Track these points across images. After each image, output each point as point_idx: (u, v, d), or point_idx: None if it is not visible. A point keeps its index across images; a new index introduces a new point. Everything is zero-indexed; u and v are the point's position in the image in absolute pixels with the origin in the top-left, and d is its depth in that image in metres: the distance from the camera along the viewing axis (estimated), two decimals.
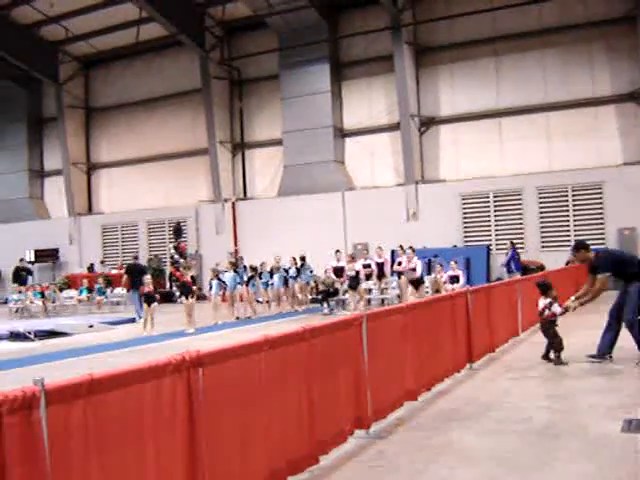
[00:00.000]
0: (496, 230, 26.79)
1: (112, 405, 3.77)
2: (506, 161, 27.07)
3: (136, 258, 24.22)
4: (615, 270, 10.23)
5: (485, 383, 9.36)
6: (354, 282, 19.98)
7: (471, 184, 27.12)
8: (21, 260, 32.57)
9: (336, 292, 21.75)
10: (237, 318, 20.68)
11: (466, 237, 27.15)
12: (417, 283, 18.62)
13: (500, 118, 27.31)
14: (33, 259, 34.63)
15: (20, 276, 29.14)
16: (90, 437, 3.64)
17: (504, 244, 25.76)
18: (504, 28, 27.11)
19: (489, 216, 26.99)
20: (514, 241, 24.88)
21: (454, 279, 20.35)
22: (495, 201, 26.84)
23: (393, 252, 23.47)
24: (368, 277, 21.59)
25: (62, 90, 34.91)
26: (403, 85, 27.38)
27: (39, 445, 3.33)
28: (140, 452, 4.01)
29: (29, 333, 17.90)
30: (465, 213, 27.29)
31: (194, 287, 18.99)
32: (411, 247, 19.40)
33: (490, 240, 26.52)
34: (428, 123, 28.41)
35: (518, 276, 23.06)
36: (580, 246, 10.85)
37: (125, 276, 22.36)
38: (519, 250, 25.54)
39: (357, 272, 20.09)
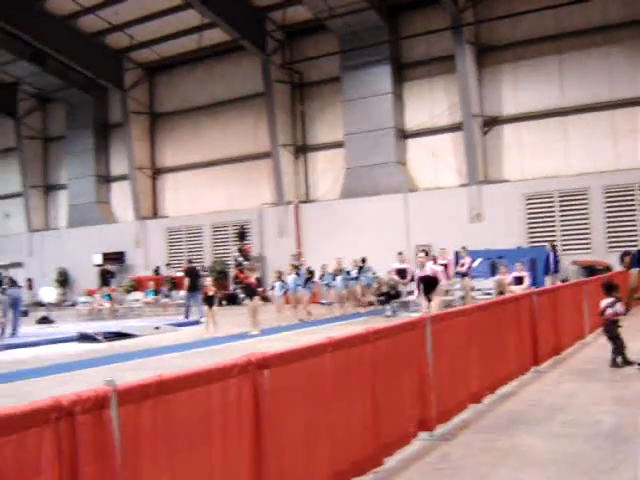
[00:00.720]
0: (562, 230, 26.36)
1: (180, 406, 3.86)
2: (571, 160, 26.61)
3: (190, 262, 24.82)
4: None
5: (551, 386, 9.24)
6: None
7: (535, 184, 26.75)
8: (104, 262, 33.44)
9: (399, 294, 21.69)
10: (300, 320, 20.79)
11: (530, 238, 26.78)
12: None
13: (565, 117, 26.86)
14: (101, 262, 35.37)
15: (105, 278, 30.04)
16: (159, 437, 3.73)
17: (569, 244, 25.40)
18: (567, 25, 26.67)
19: (554, 216, 26.58)
20: (555, 243, 24.44)
21: (518, 280, 20.08)
22: (560, 201, 26.41)
23: (457, 253, 23.31)
24: None
25: (127, 96, 35.58)
26: (465, 85, 27.17)
27: (110, 444, 3.43)
28: (207, 452, 4.08)
29: (97, 335, 18.30)
30: (529, 213, 26.92)
31: (258, 289, 19.16)
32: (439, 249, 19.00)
33: (555, 240, 26.11)
34: (491, 123, 28.12)
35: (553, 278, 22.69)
36: (624, 254, 10.90)
37: (187, 279, 22.98)
38: (586, 251, 25.16)
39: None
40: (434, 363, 6.87)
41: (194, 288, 22.81)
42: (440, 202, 27.83)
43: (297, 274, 21.78)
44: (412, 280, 22.26)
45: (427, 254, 14.59)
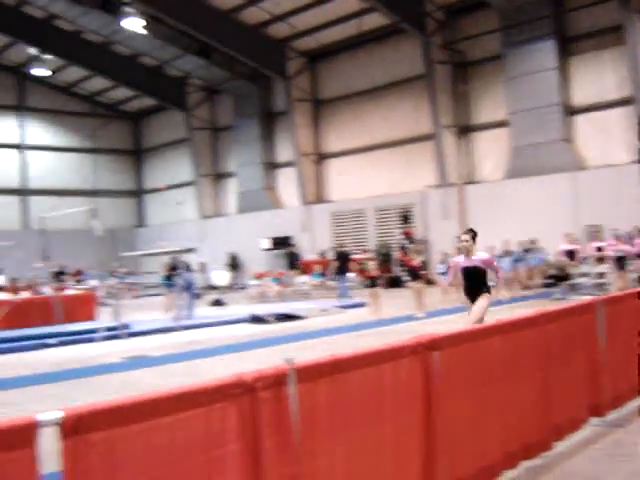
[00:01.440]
0: None
1: (353, 384, 4.02)
2: None
3: (341, 246, 25.79)
4: None
5: None
6: (621, 263, 19.29)
7: None
8: (291, 245, 34.84)
9: (568, 276, 21.08)
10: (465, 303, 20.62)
11: None
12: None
13: None
14: (270, 247, 36.51)
15: (292, 260, 31.40)
16: (334, 413, 3.91)
17: None
18: None
19: None
20: None
21: None
22: None
23: (629, 234, 22.33)
24: (601, 261, 20.76)
25: (290, 85, 36.36)
26: (635, 57, 25.83)
27: (289, 419, 3.64)
28: (379, 429, 4.23)
29: (267, 316, 18.99)
30: None
31: (423, 272, 19.17)
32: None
33: None
34: None
35: None
36: None
37: (336, 262, 24.64)
38: None
39: (625, 253, 19.38)
40: (607, 347, 6.71)
41: (343, 271, 24.21)
42: (610, 180, 26.64)
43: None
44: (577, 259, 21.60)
45: (475, 237, 10.02)
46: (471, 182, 31.22)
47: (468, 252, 9.85)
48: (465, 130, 31.81)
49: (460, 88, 31.76)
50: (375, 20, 31.82)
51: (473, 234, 9.94)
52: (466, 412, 4.88)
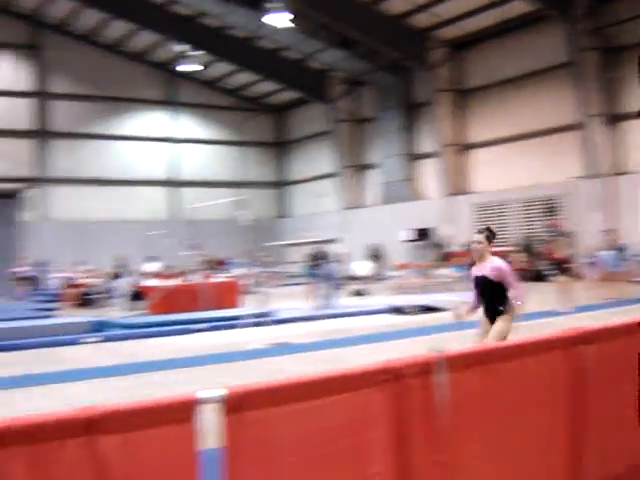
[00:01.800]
0: None
1: (502, 375, 4.02)
2: None
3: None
4: None
5: None
6: None
7: None
8: (434, 237, 35.20)
9: None
10: (612, 298, 19.92)
11: None
12: None
13: None
14: (411, 238, 36.48)
15: (438, 252, 31.94)
16: (481, 403, 3.92)
17: None
18: None
19: None
20: None
21: None
22: None
23: None
24: None
25: (433, 75, 36.06)
26: None
27: (435, 407, 3.68)
28: (525, 421, 4.20)
29: (407, 308, 19.03)
30: None
31: (569, 265, 18.65)
32: None
33: None
34: None
35: None
36: None
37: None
38: None
39: None
40: None
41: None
42: None
43: (618, 249, 20.92)
44: None
45: (491, 238, 7.78)
46: (621, 173, 29.97)
47: (480, 257, 7.77)
48: (615, 119, 30.54)
49: (609, 75, 30.52)
50: (519, 7, 31.09)
51: (488, 234, 7.74)
52: (618, 408, 4.76)
